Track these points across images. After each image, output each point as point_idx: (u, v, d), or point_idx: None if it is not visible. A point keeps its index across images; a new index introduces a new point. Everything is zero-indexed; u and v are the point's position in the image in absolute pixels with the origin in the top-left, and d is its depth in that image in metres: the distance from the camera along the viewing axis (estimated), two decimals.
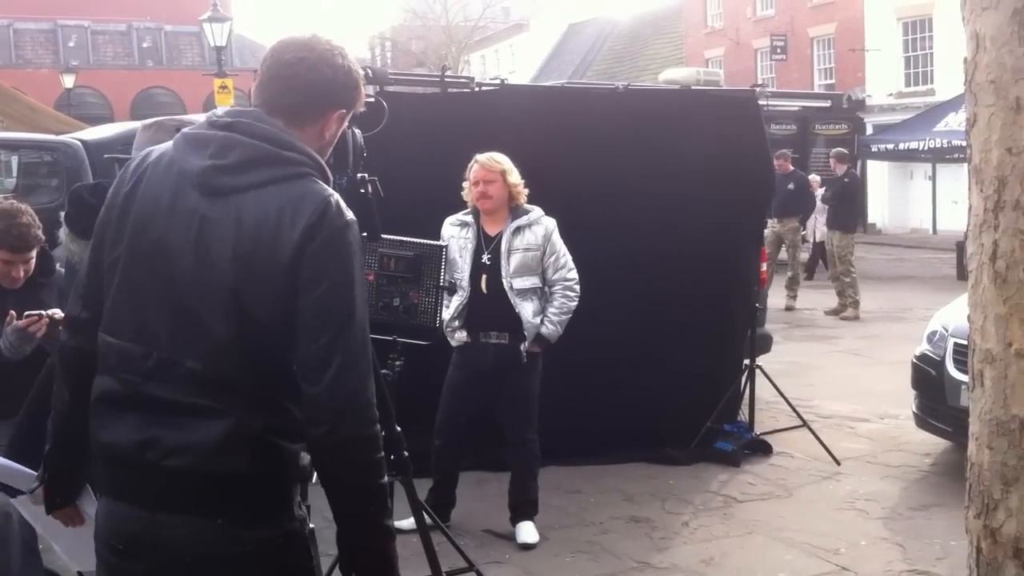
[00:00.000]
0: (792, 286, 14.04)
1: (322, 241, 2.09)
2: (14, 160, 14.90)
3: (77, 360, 2.33)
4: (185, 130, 2.25)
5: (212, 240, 2.11)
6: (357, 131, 3.20)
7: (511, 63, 47.66)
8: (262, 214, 2.09)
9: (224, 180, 2.13)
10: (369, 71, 3.60)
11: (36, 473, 2.83)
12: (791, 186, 14.18)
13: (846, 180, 14.01)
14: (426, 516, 4.37)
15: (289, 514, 2.23)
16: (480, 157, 5.23)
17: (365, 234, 2.99)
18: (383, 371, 4.15)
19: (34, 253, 3.93)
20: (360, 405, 2.11)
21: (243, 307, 2.09)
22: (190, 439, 2.09)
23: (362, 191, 3.23)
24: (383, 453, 2.17)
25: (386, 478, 2.19)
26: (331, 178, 2.26)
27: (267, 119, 2.19)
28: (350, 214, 2.17)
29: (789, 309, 13.76)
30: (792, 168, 14.63)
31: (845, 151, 15.18)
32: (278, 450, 2.15)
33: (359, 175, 3.18)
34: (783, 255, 14.59)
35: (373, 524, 2.20)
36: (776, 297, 13.51)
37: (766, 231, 13.82)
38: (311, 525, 2.27)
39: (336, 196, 2.18)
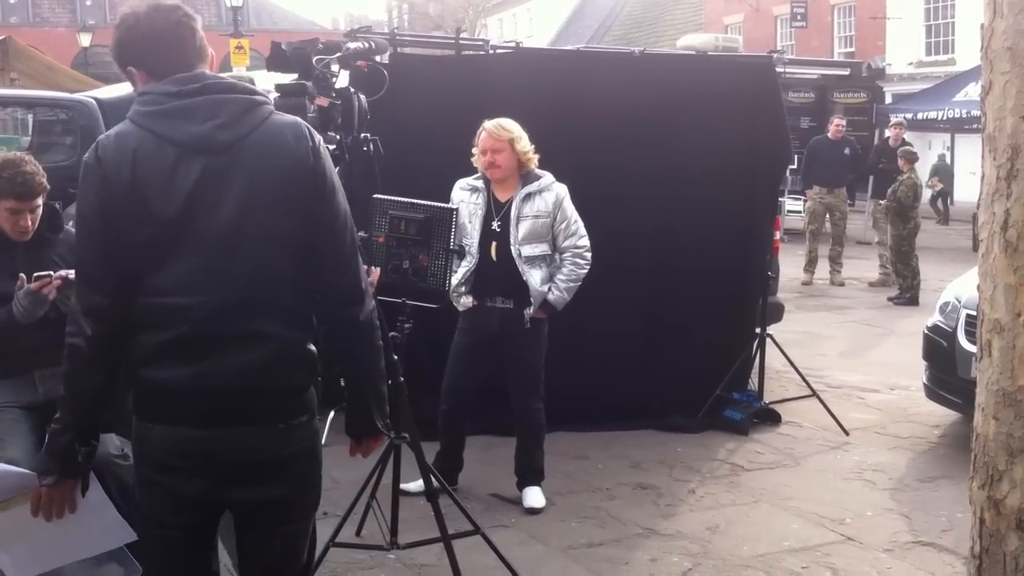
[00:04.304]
0: (837, 258, 13.48)
1: (321, 157, 2.51)
2: (29, 118, 14.92)
3: (107, 347, 2.46)
4: (146, 109, 2.44)
5: (244, 187, 2.41)
6: (362, 96, 3.30)
7: (528, 27, 47.31)
8: (273, 152, 2.45)
9: (227, 135, 2.41)
10: (372, 43, 3.70)
11: (27, 472, 2.78)
12: (846, 151, 13.64)
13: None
14: (433, 479, 4.39)
15: (314, 415, 2.59)
16: (488, 124, 5.16)
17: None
18: (392, 333, 4.17)
19: (40, 202, 3.92)
20: (367, 283, 2.64)
21: (286, 234, 2.44)
22: (244, 362, 2.41)
23: (365, 149, 3.36)
24: None
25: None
26: None
27: (211, 75, 2.50)
28: None
29: (840, 284, 13.28)
30: (843, 134, 13.87)
31: (903, 120, 14.78)
32: (311, 357, 2.53)
33: (363, 135, 3.29)
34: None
35: (382, 374, 2.72)
36: (820, 271, 13.41)
37: (811, 203, 13.65)
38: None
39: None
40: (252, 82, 3.44)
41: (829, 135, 13.81)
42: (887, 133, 14.02)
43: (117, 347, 2.48)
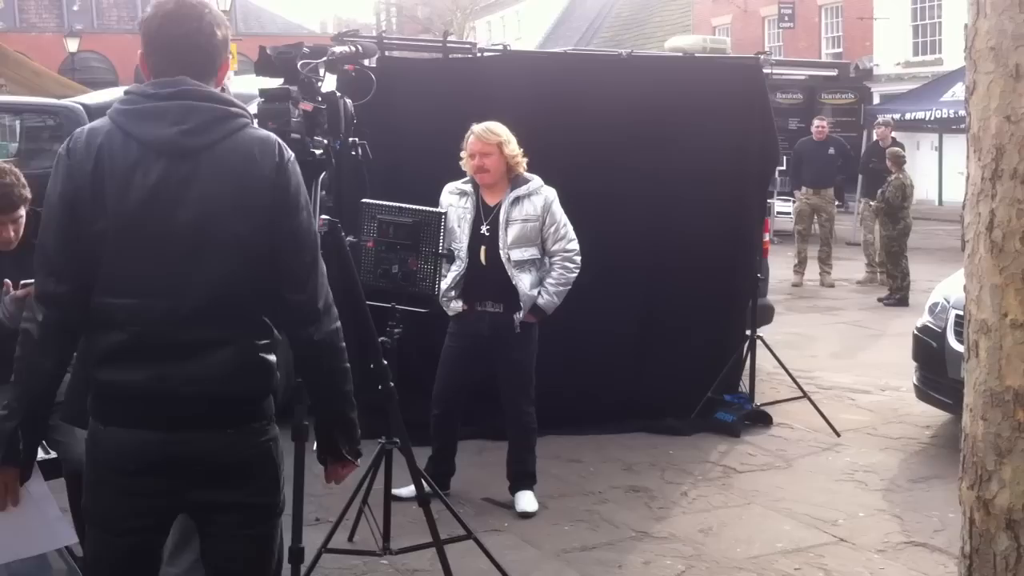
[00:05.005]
0: (826, 259, 13.44)
1: (288, 175, 2.52)
2: (17, 124, 14.86)
3: (57, 334, 2.49)
4: (123, 107, 2.49)
5: (204, 194, 2.42)
6: (348, 100, 3.31)
7: (517, 30, 47.34)
8: (238, 163, 2.46)
9: (193, 141, 2.44)
10: (360, 47, 3.72)
11: None
12: (831, 151, 13.72)
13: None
14: (425, 484, 4.39)
15: (272, 422, 2.62)
16: (476, 128, 5.15)
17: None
18: (381, 338, 4.16)
19: (22, 213, 3.91)
20: (331, 303, 2.61)
21: (244, 245, 2.45)
22: (203, 369, 2.44)
23: (353, 153, 3.36)
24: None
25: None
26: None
27: (193, 82, 2.50)
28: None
29: (831, 286, 13.25)
30: (827, 133, 14.01)
31: (891, 120, 14.91)
32: (267, 365, 2.54)
33: (351, 139, 3.29)
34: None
35: (350, 399, 2.72)
36: (809, 272, 13.41)
37: (797, 203, 13.74)
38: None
39: (277, 137, 2.58)
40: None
41: (813, 137, 13.92)
42: (874, 134, 14.14)
43: (69, 337, 2.50)
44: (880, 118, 15.25)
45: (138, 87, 2.53)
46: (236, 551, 2.59)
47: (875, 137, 14.20)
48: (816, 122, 14.27)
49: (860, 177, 14.94)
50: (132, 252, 2.43)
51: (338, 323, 2.62)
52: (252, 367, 2.50)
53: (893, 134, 13.82)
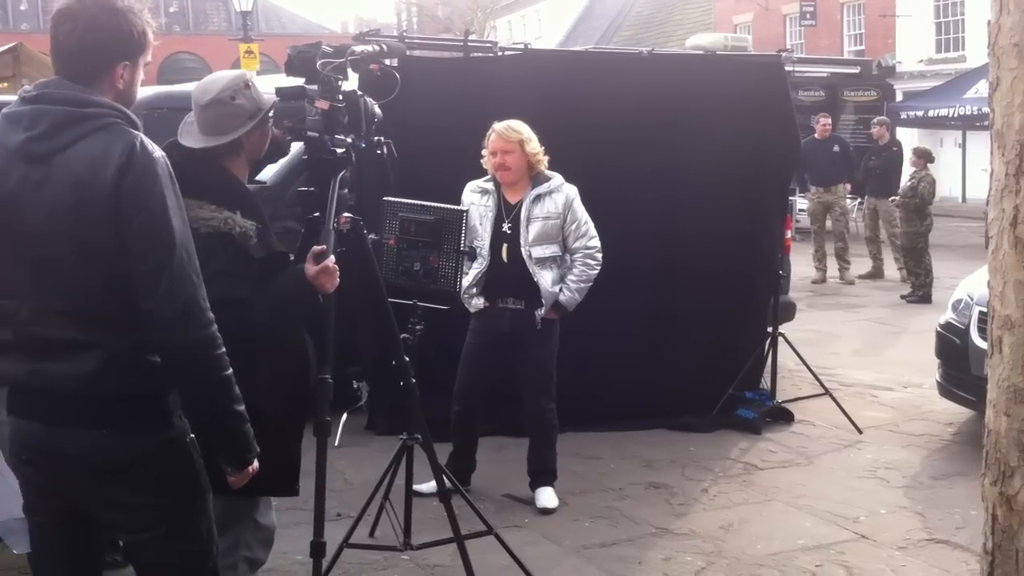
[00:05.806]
0: (843, 255, 13.46)
1: (133, 177, 2.41)
2: None
3: None
4: (4, 110, 2.55)
5: (50, 198, 2.42)
6: (371, 100, 3.31)
7: (538, 28, 47.30)
8: (81, 167, 2.41)
9: (41, 147, 2.45)
10: (384, 46, 3.74)
11: None
12: (835, 148, 13.83)
13: (895, 149, 13.90)
14: (446, 480, 4.40)
15: (167, 423, 2.58)
16: (498, 126, 5.17)
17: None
18: (403, 335, 4.18)
19: None
20: (194, 311, 2.47)
21: (90, 249, 2.43)
22: (70, 369, 2.46)
23: (378, 152, 3.35)
24: (223, 350, 2.53)
25: (230, 370, 2.55)
26: (138, 122, 2.52)
27: (66, 84, 2.50)
28: (157, 151, 2.49)
29: (851, 283, 13.28)
30: (831, 131, 14.20)
31: (887, 119, 14.95)
32: (149, 367, 2.51)
33: (375, 138, 3.29)
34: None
35: (225, 410, 2.59)
36: (833, 269, 13.44)
37: (809, 203, 13.78)
38: (191, 435, 2.62)
39: (142, 137, 2.48)
40: None
41: (816, 135, 13.93)
42: (872, 131, 14.25)
43: None
44: (877, 117, 15.27)
45: (23, 91, 2.59)
46: (147, 551, 2.61)
47: (873, 136, 14.21)
48: (821, 120, 14.29)
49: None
50: (4, 256, 2.50)
51: (208, 330, 2.49)
52: (123, 368, 2.48)
53: (916, 132, 13.80)
